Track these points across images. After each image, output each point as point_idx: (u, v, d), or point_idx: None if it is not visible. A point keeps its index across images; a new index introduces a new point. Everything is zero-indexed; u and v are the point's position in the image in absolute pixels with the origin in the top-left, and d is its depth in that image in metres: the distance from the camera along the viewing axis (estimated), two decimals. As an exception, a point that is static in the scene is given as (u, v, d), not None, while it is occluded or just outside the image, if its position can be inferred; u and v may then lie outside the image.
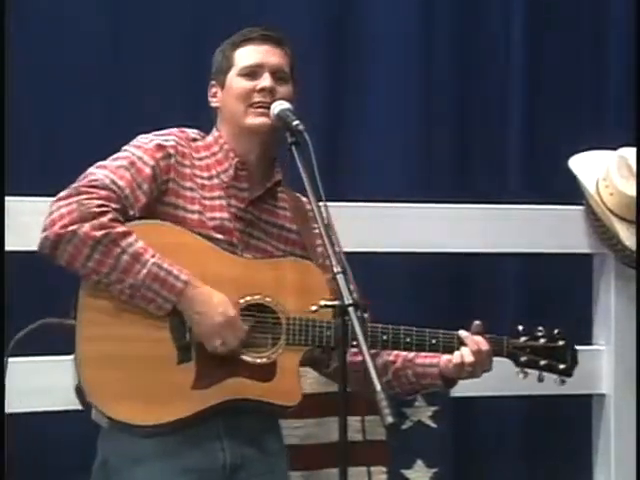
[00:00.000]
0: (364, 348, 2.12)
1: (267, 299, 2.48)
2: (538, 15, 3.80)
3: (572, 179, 3.44)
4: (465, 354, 2.52)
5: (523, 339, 2.62)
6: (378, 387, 2.05)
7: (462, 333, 2.55)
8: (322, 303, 2.26)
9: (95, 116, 3.40)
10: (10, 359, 2.72)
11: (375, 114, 3.67)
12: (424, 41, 3.73)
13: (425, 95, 3.73)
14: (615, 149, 3.36)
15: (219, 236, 2.52)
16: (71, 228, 2.37)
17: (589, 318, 3.57)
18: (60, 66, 3.39)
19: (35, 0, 3.37)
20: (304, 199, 2.62)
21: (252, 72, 2.57)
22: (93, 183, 2.43)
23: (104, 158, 3.32)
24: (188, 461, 2.45)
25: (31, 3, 3.34)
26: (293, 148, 2.45)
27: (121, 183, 2.45)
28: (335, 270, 2.23)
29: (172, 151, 2.52)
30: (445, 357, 2.55)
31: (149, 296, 2.40)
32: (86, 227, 2.37)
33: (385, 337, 2.51)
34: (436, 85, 3.74)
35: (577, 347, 3.53)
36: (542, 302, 3.61)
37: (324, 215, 2.35)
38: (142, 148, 2.52)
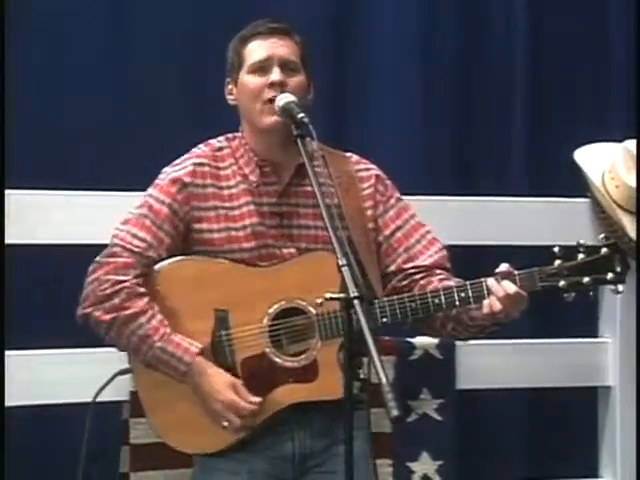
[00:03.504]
0: (370, 341, 2.10)
1: (297, 301, 2.52)
2: (540, 11, 3.80)
3: (577, 171, 3.43)
4: (493, 303, 2.49)
5: (558, 262, 2.49)
6: (384, 380, 2.04)
7: (488, 281, 2.51)
8: (327, 296, 2.26)
9: (97, 111, 3.41)
10: (9, 352, 2.74)
11: (376, 111, 3.68)
12: (424, 40, 3.73)
13: (426, 92, 3.73)
14: (621, 141, 3.35)
15: (252, 244, 2.56)
16: (87, 311, 2.55)
17: (595, 311, 3.56)
18: (62, 62, 3.40)
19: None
20: (351, 157, 2.68)
21: (261, 67, 2.58)
22: (113, 250, 2.56)
23: (105, 155, 3.36)
24: (266, 448, 2.57)
25: (31, 3, 3.34)
26: (298, 141, 2.46)
27: (142, 234, 2.56)
28: (340, 263, 2.22)
29: (187, 179, 2.59)
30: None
31: (161, 369, 2.54)
32: (99, 311, 2.53)
33: (413, 304, 2.51)
34: (436, 82, 3.75)
35: (582, 340, 3.58)
36: (547, 294, 3.59)
37: (332, 210, 2.34)
38: (158, 186, 2.61)
